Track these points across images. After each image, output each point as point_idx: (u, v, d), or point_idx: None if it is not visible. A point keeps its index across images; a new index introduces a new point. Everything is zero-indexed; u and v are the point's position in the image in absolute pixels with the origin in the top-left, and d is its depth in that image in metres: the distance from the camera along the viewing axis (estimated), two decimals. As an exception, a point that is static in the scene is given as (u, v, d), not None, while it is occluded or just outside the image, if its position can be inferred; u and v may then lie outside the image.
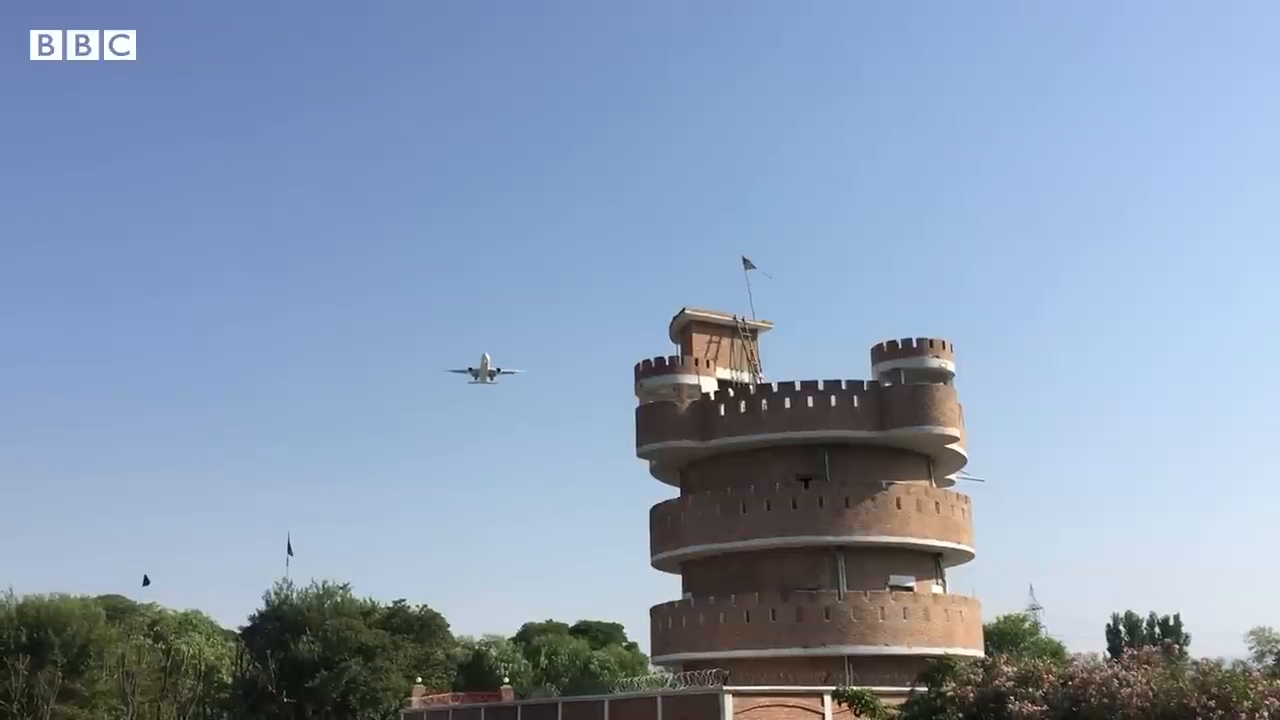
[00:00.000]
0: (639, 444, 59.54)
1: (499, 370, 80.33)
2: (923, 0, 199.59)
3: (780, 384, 57.26)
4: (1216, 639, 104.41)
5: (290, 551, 79.96)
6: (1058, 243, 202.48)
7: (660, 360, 60.06)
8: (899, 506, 55.33)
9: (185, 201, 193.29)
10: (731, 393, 58.61)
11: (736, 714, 44.60)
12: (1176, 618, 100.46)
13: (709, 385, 59.35)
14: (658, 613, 59.95)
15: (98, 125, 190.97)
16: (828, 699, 46.18)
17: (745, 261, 63.71)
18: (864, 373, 58.16)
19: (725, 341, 63.33)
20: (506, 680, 76.55)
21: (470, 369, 79.87)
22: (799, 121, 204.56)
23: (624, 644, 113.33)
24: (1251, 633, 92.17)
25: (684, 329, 63.24)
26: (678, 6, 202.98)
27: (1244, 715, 26.56)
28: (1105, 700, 28.81)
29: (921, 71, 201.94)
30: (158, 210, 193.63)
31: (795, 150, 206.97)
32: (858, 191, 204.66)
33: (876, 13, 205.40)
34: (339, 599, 78.22)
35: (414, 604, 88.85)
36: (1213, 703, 27.09)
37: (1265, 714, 26.54)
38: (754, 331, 64.24)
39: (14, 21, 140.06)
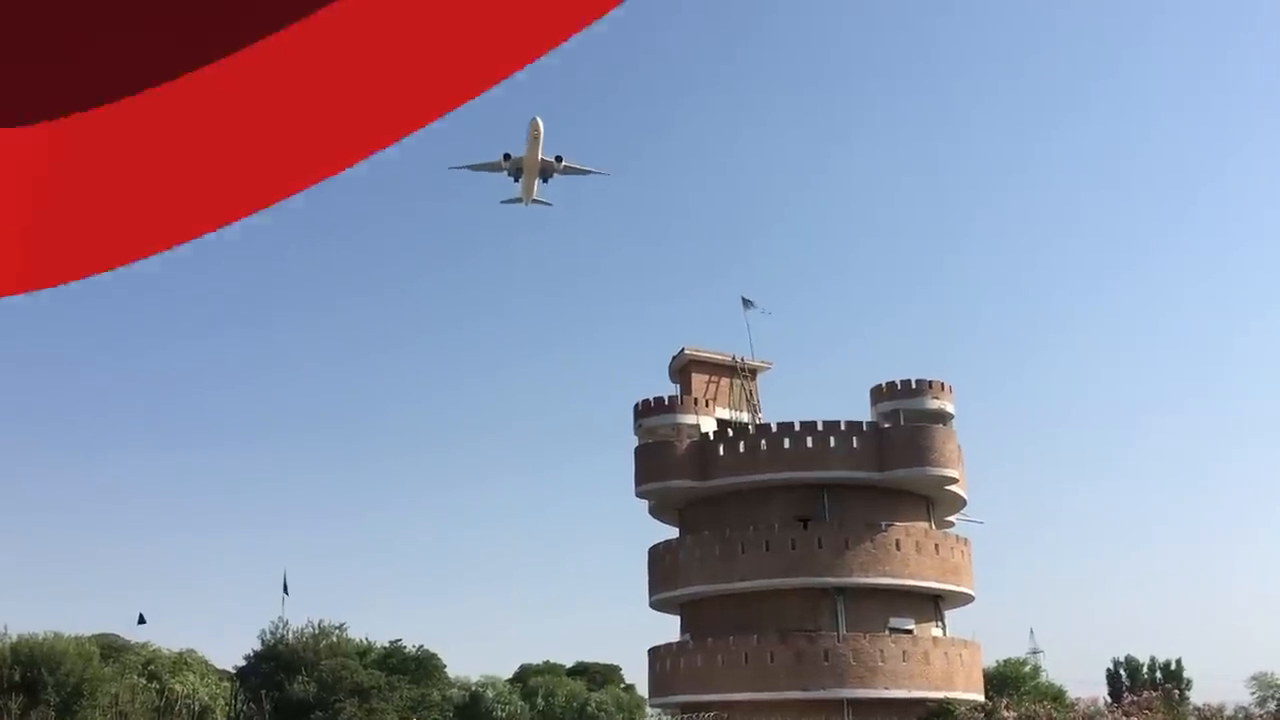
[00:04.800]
0: (638, 483, 59.47)
1: (558, 161, 50.75)
2: (931, 41, 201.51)
3: (779, 424, 57.31)
4: (1218, 684, 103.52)
5: (286, 590, 79.21)
6: (1061, 284, 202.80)
7: (659, 400, 60.13)
8: (898, 548, 55.21)
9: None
10: (730, 433, 58.63)
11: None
12: (1178, 662, 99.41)
13: (708, 425, 59.39)
14: (656, 654, 59.63)
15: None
16: (827, 742, 45.89)
17: (745, 301, 64.09)
18: (863, 413, 58.29)
19: (724, 381, 63.44)
20: (503, 722, 75.84)
21: (505, 158, 51.71)
22: (801, 162, 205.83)
23: (622, 685, 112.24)
24: (1253, 678, 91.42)
25: (683, 369, 63.34)
26: (682, 49, 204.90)
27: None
28: (1106, 745, 28.71)
29: (924, 113, 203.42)
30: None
31: (797, 190, 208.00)
32: (859, 231, 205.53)
33: (885, 51, 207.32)
34: (335, 638, 77.49)
35: (410, 644, 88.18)
36: (1214, 748, 26.99)
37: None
38: (753, 371, 64.34)
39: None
